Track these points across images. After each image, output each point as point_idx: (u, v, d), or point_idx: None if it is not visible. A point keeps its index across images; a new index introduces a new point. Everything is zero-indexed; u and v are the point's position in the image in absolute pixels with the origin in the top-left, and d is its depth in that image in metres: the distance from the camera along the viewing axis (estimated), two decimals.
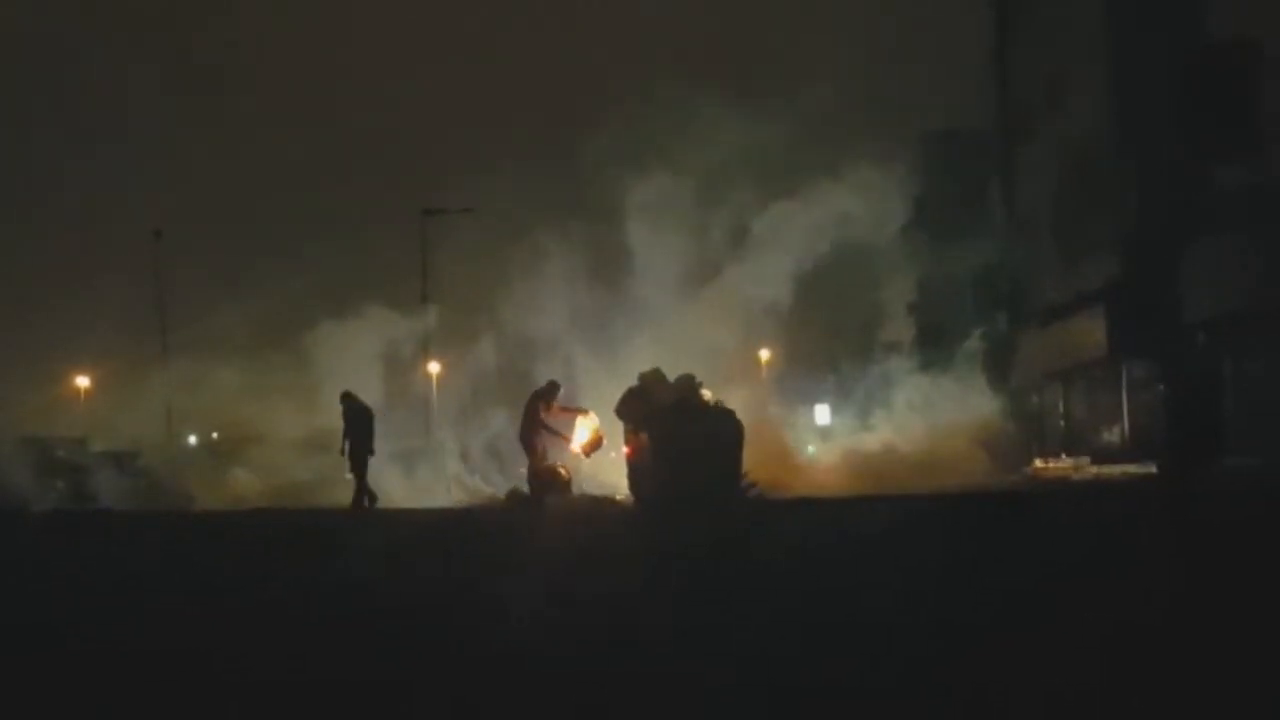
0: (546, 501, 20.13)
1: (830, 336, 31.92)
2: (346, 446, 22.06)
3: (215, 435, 34.39)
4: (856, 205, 24.95)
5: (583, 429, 21.77)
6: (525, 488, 21.47)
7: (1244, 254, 23.43)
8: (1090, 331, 29.07)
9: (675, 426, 18.38)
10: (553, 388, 21.85)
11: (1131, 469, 24.96)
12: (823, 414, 30.77)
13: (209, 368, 28.70)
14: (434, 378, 37.71)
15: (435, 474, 28.55)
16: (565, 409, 21.81)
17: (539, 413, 21.51)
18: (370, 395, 24.32)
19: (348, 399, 22.34)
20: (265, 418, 27.10)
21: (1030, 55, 34.80)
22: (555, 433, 21.44)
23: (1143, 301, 26.42)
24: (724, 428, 18.58)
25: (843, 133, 26.06)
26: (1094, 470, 25.49)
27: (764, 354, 35.25)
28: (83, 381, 48.56)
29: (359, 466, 21.88)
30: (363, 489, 21.76)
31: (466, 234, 30.40)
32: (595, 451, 21.86)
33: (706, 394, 19.73)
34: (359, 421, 22.04)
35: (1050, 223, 32.99)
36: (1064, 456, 27.38)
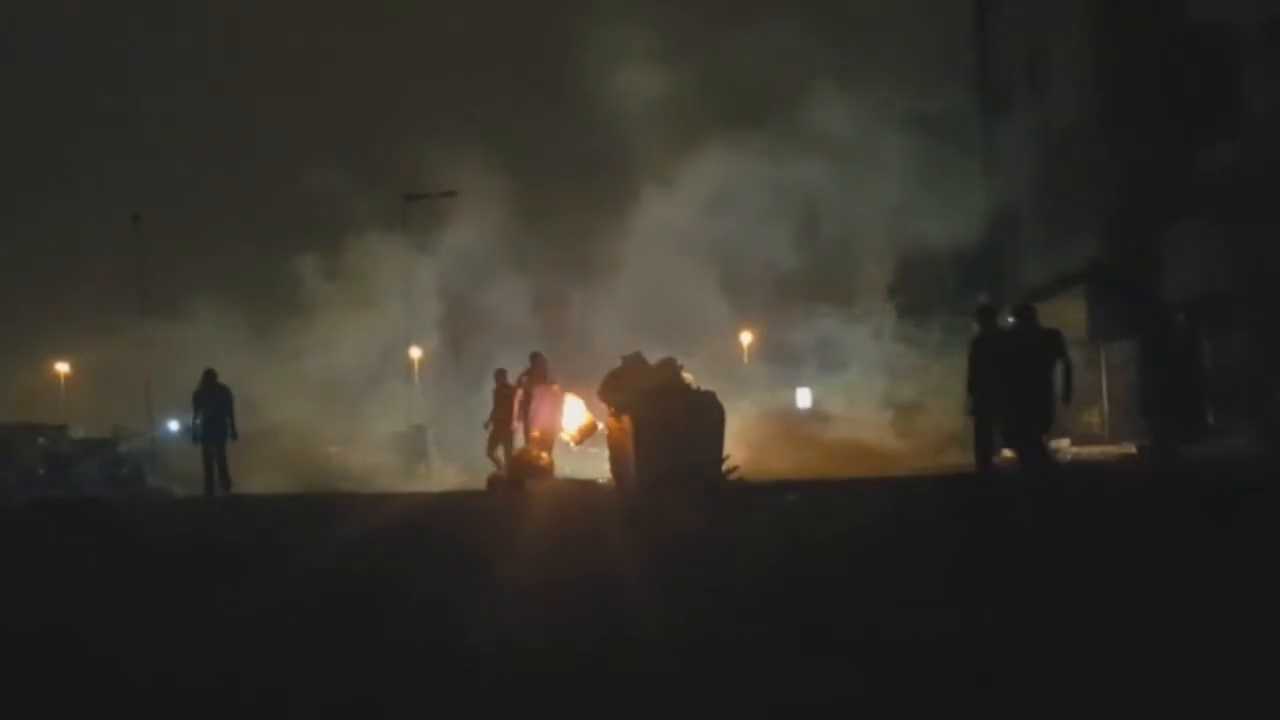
0: (527, 485, 20.12)
1: (810, 318, 31.92)
2: (200, 424, 21.45)
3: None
4: (833, 181, 25.15)
5: (575, 413, 21.74)
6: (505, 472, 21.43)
7: (1224, 236, 23.55)
8: (1070, 313, 29.16)
9: (657, 409, 18.39)
10: (534, 360, 21.75)
11: (1111, 450, 25.15)
12: (804, 397, 30.86)
13: (189, 353, 28.57)
14: (416, 363, 37.69)
15: (417, 458, 28.58)
16: (551, 390, 21.63)
17: (519, 391, 21.48)
18: (353, 380, 24.34)
19: (210, 377, 21.65)
20: (248, 402, 27.09)
21: (1010, 35, 34.82)
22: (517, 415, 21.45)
23: (1123, 283, 26.55)
24: (706, 410, 18.62)
25: (818, 107, 26.23)
26: (1073, 451, 25.65)
27: (745, 337, 35.32)
28: (62, 368, 48.39)
29: (221, 450, 21.32)
30: (217, 472, 21.26)
31: (448, 216, 30.41)
32: (587, 439, 21.89)
33: (688, 377, 19.76)
34: (219, 401, 21.41)
35: (1031, 204, 33.07)
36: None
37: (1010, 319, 15.19)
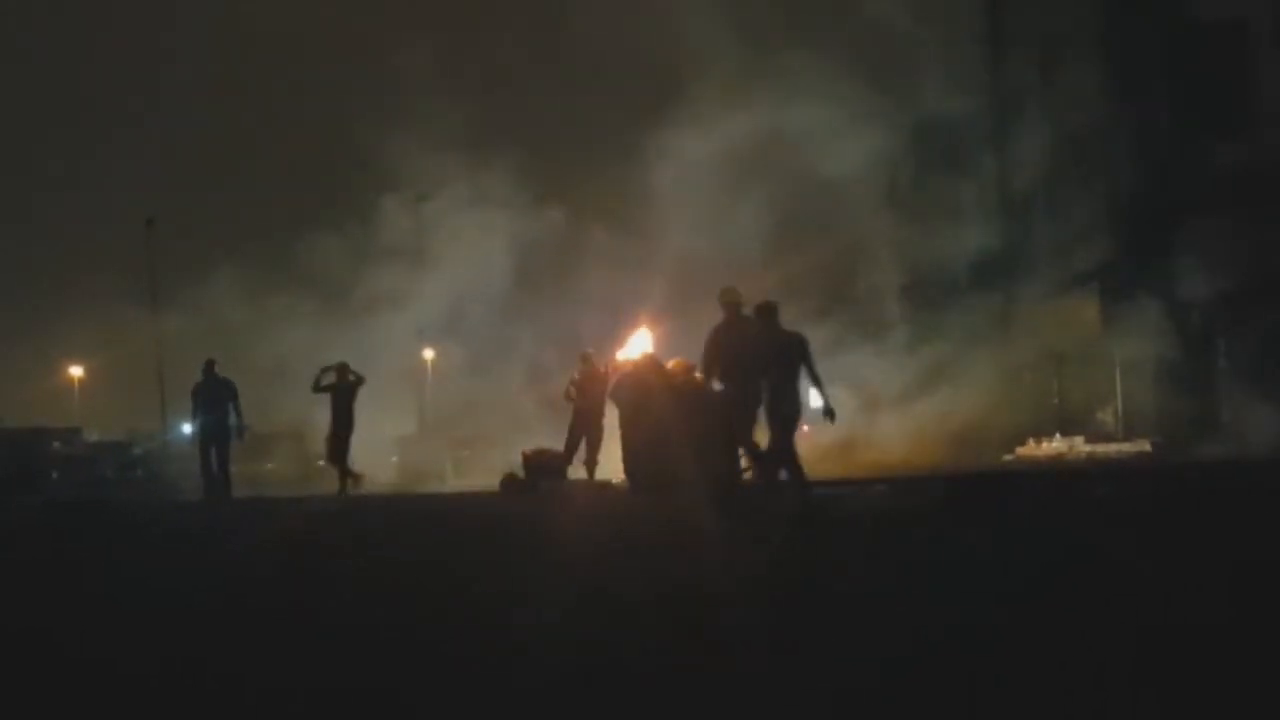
0: (540, 487, 20.05)
1: (822, 316, 31.89)
2: (199, 425, 19.68)
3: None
4: (845, 180, 25.16)
5: (638, 345, 21.44)
6: (520, 473, 21.31)
7: (1238, 233, 23.49)
8: (1083, 311, 29.13)
9: (671, 409, 18.34)
10: (582, 360, 21.33)
11: (1125, 448, 25.11)
12: (816, 396, 30.77)
13: (203, 356, 28.69)
14: (429, 364, 37.70)
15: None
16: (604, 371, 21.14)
17: (571, 390, 21.17)
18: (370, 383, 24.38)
19: (209, 369, 19.73)
20: (259, 405, 27.14)
21: (1023, 35, 34.71)
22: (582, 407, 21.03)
23: (1136, 281, 26.48)
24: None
25: (827, 106, 26.22)
26: (1087, 450, 25.62)
27: None
28: (76, 371, 48.53)
29: (224, 450, 19.50)
30: (220, 476, 19.54)
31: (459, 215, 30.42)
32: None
33: (700, 377, 19.70)
34: (221, 397, 19.47)
35: (1044, 202, 32.96)
36: (1058, 436, 27.41)
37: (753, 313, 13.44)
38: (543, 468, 20.87)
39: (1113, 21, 28.23)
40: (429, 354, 37.02)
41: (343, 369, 20.45)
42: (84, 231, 44.43)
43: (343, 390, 20.27)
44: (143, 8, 44.83)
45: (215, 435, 19.63)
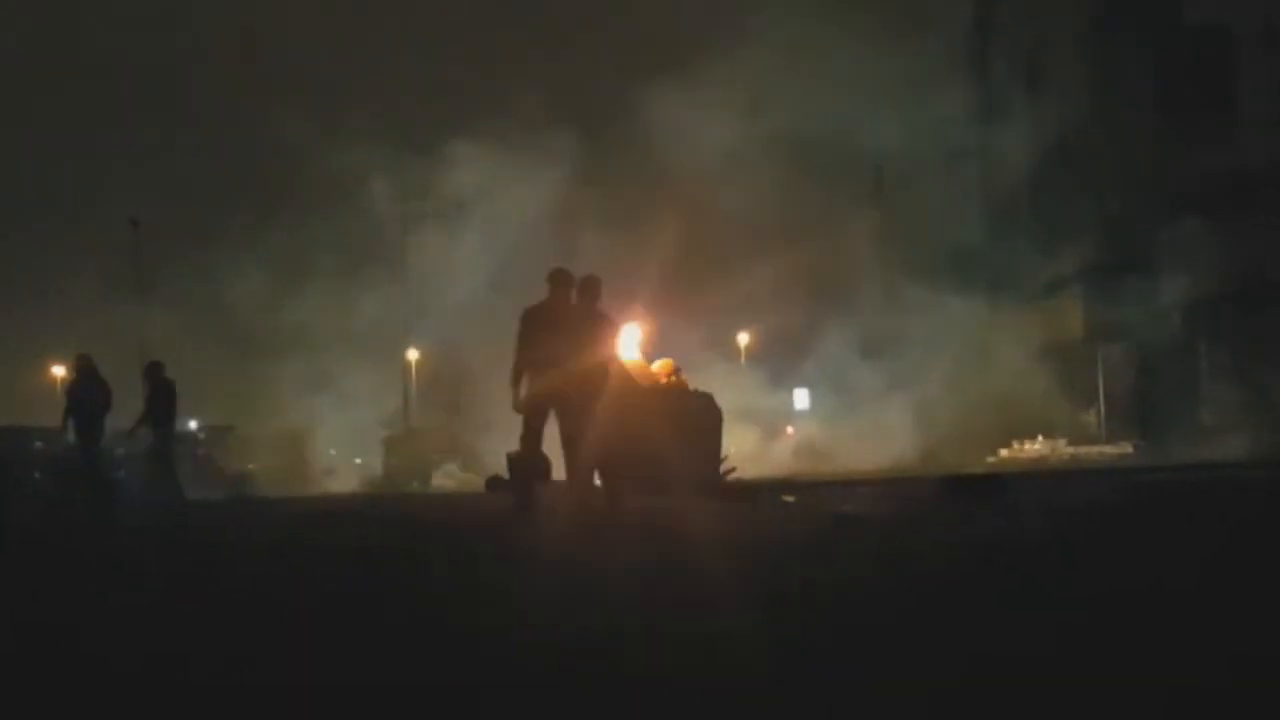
0: (535, 489, 20.02)
1: (809, 319, 32.01)
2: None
3: (193, 424, 34.38)
4: (833, 183, 25.23)
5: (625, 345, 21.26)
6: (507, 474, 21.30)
7: (1220, 237, 23.63)
8: (1067, 313, 29.27)
9: (652, 411, 18.36)
10: None
11: (1108, 450, 25.22)
12: (801, 398, 30.82)
13: (188, 357, 28.68)
14: (413, 365, 37.65)
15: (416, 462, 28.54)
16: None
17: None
18: (352, 383, 24.25)
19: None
20: (243, 406, 27.08)
21: (1009, 38, 34.88)
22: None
23: (1119, 284, 26.63)
24: (705, 412, 18.63)
25: (818, 111, 26.28)
26: (1070, 452, 25.72)
27: (743, 338, 35.34)
28: (59, 371, 48.32)
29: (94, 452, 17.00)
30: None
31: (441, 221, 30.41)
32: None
33: (684, 378, 19.77)
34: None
35: (1029, 205, 33.13)
36: (1040, 439, 27.55)
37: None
38: (529, 469, 20.82)
39: (1099, 26, 28.40)
40: (413, 354, 37.00)
41: (156, 366, 17.28)
42: (68, 231, 44.24)
43: (168, 392, 17.04)
44: (132, 8, 44.69)
45: (93, 438, 17.10)
